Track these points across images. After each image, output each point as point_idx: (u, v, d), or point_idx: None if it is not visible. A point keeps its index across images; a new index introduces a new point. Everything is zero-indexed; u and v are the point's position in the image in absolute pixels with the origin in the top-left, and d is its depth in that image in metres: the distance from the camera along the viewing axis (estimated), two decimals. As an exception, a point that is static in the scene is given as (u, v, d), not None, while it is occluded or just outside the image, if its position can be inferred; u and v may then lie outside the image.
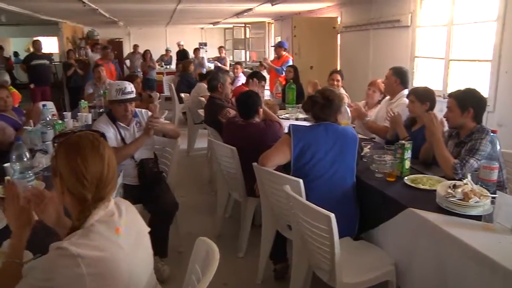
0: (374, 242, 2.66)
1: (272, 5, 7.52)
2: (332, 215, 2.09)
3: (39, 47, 8.89)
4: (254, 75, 4.91)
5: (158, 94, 7.17)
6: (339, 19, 8.40)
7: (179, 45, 13.13)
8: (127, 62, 11.88)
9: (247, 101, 3.51)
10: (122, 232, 1.41)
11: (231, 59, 13.82)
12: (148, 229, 1.61)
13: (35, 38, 9.76)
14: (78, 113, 4.79)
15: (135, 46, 11.91)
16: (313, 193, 2.58)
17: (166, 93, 9.52)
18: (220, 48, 12.92)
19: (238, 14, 9.99)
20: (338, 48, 8.53)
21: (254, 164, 2.87)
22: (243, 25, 14.80)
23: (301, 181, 2.55)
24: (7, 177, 2.44)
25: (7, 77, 6.45)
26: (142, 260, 1.51)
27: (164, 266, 3.14)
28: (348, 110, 3.64)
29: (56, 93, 9.66)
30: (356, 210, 2.77)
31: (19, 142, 2.29)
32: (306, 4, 8.47)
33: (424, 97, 3.31)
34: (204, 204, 4.70)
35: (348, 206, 2.74)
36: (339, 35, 8.44)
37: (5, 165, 2.80)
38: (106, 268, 1.32)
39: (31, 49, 9.37)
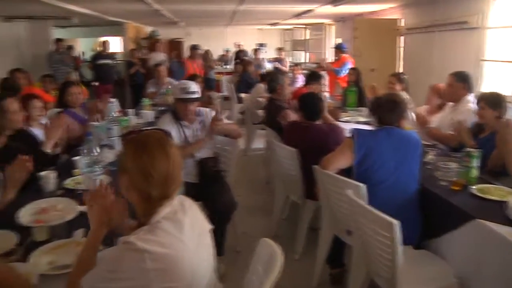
0: (436, 252, 2.57)
1: (334, 6, 7.43)
2: (396, 222, 2.04)
3: (107, 47, 9.32)
4: (312, 76, 4.89)
5: (217, 93, 7.27)
6: (403, 21, 8.17)
7: (238, 45, 13.24)
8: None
9: (312, 102, 3.49)
10: (187, 230, 1.44)
11: (290, 60, 13.79)
12: (210, 227, 1.63)
13: (103, 38, 10.21)
14: (141, 111, 4.94)
15: (195, 47, 12.11)
16: (374, 198, 2.53)
17: (225, 92, 9.63)
18: (279, 49, 12.93)
19: (298, 15, 9.95)
20: (400, 50, 8.32)
21: (315, 167, 2.85)
22: (303, 26, 14.74)
23: (364, 186, 2.51)
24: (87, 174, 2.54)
25: (74, 76, 6.77)
26: (205, 258, 1.53)
27: (220, 264, 3.19)
28: (413, 115, 3.54)
29: (119, 91, 10.01)
30: (419, 218, 2.69)
31: (89, 137, 2.38)
32: (368, 5, 8.31)
33: (495, 103, 3.15)
34: (260, 205, 4.72)
35: (410, 214, 2.67)
36: (402, 37, 8.22)
37: (74, 158, 2.94)
38: (170, 265, 1.35)
39: (97, 49, 9.77)
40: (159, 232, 1.37)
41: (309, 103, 3.51)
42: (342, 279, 3.12)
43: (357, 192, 2.48)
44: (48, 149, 2.98)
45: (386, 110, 2.72)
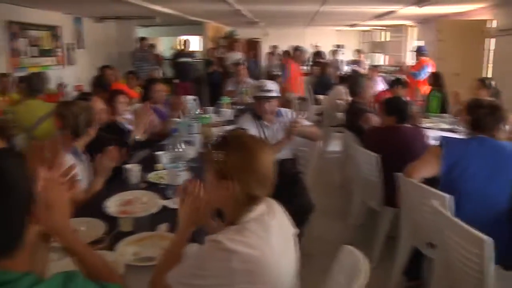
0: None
1: (419, 7, 7.15)
2: (488, 240, 1.90)
3: (188, 45, 9.62)
4: (397, 80, 4.73)
5: (294, 94, 7.25)
6: (494, 22, 7.68)
7: (314, 46, 13.14)
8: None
9: (402, 106, 3.37)
10: (274, 233, 1.42)
11: (368, 62, 13.47)
12: (295, 231, 1.60)
13: (184, 37, 10.54)
14: (220, 109, 5.03)
15: (274, 47, 12.18)
16: (460, 211, 2.38)
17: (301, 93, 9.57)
18: (358, 51, 12.68)
19: (379, 16, 9.68)
20: (488, 54, 7.82)
21: (399, 174, 2.74)
22: (382, 28, 14.35)
23: (450, 197, 2.37)
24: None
25: (159, 73, 7.04)
26: (289, 262, 1.50)
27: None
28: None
29: (197, 89, 10.27)
30: (509, 235, 2.50)
31: (175, 133, 2.45)
32: (455, 6, 7.89)
33: None
34: (334, 209, 4.63)
35: (501, 231, 2.47)
36: (491, 39, 7.73)
37: (157, 153, 3.04)
38: (256, 267, 1.34)
39: (177, 47, 10.09)
40: (247, 233, 1.36)
41: (399, 106, 3.39)
42: (419, 293, 2.98)
43: (443, 203, 2.35)
44: (139, 135, 3.10)
45: (486, 112, 2.54)
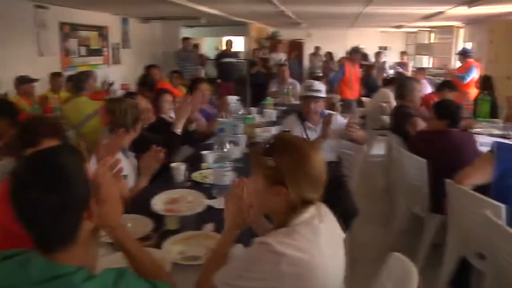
0: None
1: (469, 7, 6.91)
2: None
3: (231, 46, 9.69)
4: (446, 83, 4.59)
5: (338, 96, 7.18)
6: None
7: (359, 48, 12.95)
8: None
9: (454, 109, 3.27)
10: (323, 237, 1.40)
11: (413, 64, 13.18)
12: (344, 235, 1.57)
13: (227, 38, 10.63)
14: (264, 110, 5.03)
15: (317, 48, 12.08)
16: (513, 220, 2.28)
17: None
18: (402, 53, 12.42)
19: (426, 17, 9.43)
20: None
21: (448, 181, 2.65)
22: (428, 29, 13.99)
23: (504, 206, 2.27)
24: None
25: (202, 73, 7.12)
26: (338, 267, 1.48)
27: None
28: None
29: (240, 89, 10.32)
30: None
31: (221, 133, 2.46)
32: (509, 5, 7.58)
33: None
34: (377, 214, 4.54)
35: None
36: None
37: (203, 152, 3.06)
38: (305, 271, 1.32)
39: (220, 48, 10.18)
40: (297, 236, 1.35)
41: (451, 109, 3.28)
42: (466, 305, 2.87)
43: (496, 212, 2.25)
44: (179, 128, 3.14)
45: None
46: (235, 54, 9.99)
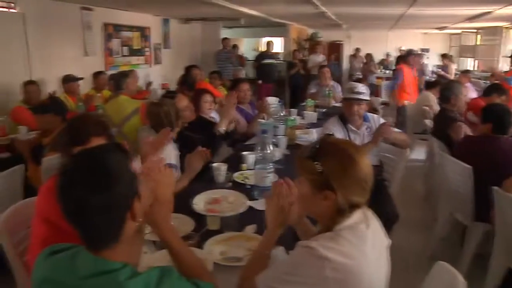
0: None
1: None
2: None
3: (271, 47, 9.70)
4: (494, 87, 4.44)
5: (379, 99, 7.06)
6: None
7: (400, 50, 12.73)
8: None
9: (503, 114, 3.15)
10: (369, 243, 1.37)
11: (456, 67, 12.82)
12: (389, 242, 1.54)
13: (267, 39, 10.65)
14: (304, 111, 5.00)
15: (357, 49, 11.93)
16: None
17: (384, 98, 9.32)
18: (443, 55, 12.10)
19: (472, 18, 9.14)
20: None
21: (496, 188, 2.56)
22: (473, 30, 13.57)
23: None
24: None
25: (243, 74, 7.15)
26: (382, 273, 1.44)
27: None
28: None
29: (279, 90, 10.33)
30: None
31: (265, 134, 2.45)
32: None
33: None
34: (416, 220, 4.44)
35: None
36: None
37: (243, 153, 3.07)
38: (350, 276, 1.30)
39: (260, 49, 10.21)
40: (342, 241, 1.33)
41: (499, 114, 3.16)
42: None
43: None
44: (224, 127, 3.17)
45: None
46: (274, 55, 9.98)
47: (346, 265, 1.29)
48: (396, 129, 3.35)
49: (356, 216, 1.40)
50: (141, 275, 1.15)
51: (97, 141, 1.91)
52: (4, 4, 5.24)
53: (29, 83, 4.92)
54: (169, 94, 3.73)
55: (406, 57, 7.75)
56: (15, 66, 5.44)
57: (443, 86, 4.59)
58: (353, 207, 1.39)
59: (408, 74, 7.19)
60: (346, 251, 1.30)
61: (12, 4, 5.34)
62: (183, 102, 3.39)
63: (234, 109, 3.37)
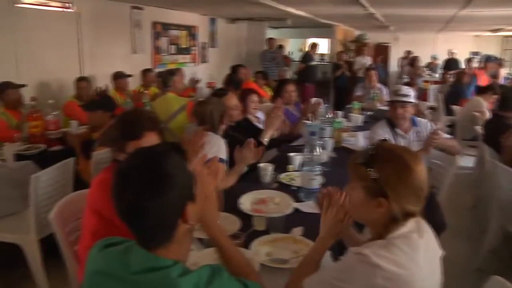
0: None
1: None
2: None
3: (316, 48, 9.69)
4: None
5: (426, 103, 6.88)
6: None
7: (450, 52, 12.33)
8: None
9: None
10: (422, 253, 1.33)
11: (508, 72, 12.32)
12: (442, 253, 1.49)
13: (312, 40, 10.59)
14: (350, 114, 4.94)
15: (408, 52, 11.69)
16: None
17: (431, 102, 9.06)
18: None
19: (530, 20, 8.76)
20: None
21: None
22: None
23: None
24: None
25: (288, 74, 7.14)
26: (435, 285, 1.40)
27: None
28: None
29: (322, 92, 10.25)
30: None
31: (313, 136, 2.43)
32: None
33: None
34: (463, 230, 4.28)
35: None
36: None
37: (290, 154, 3.06)
38: (401, 287, 1.26)
39: (305, 49, 10.15)
40: (395, 249, 1.29)
41: None
42: None
43: None
44: (267, 138, 3.18)
45: None
46: (320, 57, 9.92)
47: (399, 275, 1.26)
48: (446, 135, 3.24)
49: (410, 225, 1.36)
50: (193, 273, 1.16)
51: (150, 136, 1.93)
52: (60, 4, 5.45)
53: (81, 80, 5.10)
54: (220, 91, 3.74)
55: (485, 62, 7.38)
56: (68, 63, 5.65)
57: (503, 93, 4.41)
58: (407, 215, 1.35)
59: (484, 80, 6.86)
60: (398, 260, 1.27)
61: (68, 4, 5.55)
62: (233, 100, 3.39)
63: (279, 121, 3.35)
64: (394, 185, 1.33)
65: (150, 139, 1.92)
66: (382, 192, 1.33)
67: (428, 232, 1.43)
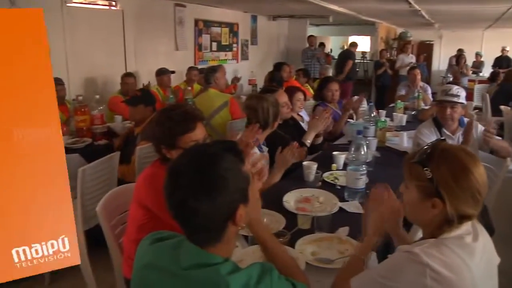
0: None
1: None
2: None
3: (354, 47, 9.59)
4: None
5: (473, 103, 6.66)
6: None
7: (504, 50, 11.85)
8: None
9: None
10: (476, 257, 1.28)
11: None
12: (499, 260, 1.43)
13: (353, 38, 10.45)
14: (394, 113, 4.84)
15: (460, 50, 11.37)
16: None
17: (476, 102, 8.77)
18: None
19: None
20: None
21: None
22: None
23: None
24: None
25: (330, 72, 7.07)
26: (489, 293, 1.35)
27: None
28: None
29: (362, 90, 10.09)
30: None
31: (359, 135, 2.39)
32: None
33: None
34: (508, 237, 4.13)
35: None
36: None
37: (334, 153, 3.02)
38: None
39: (345, 47, 10.02)
40: (446, 250, 1.25)
41: None
42: None
43: None
44: (310, 139, 3.14)
45: None
46: (362, 55, 9.78)
47: (447, 278, 1.21)
48: (497, 137, 3.12)
49: (465, 228, 1.31)
50: (243, 271, 1.16)
51: (201, 127, 1.94)
52: (106, 2, 5.59)
53: (127, 75, 5.21)
54: (270, 87, 3.70)
55: None
56: (113, 59, 5.79)
57: None
58: (463, 218, 1.31)
59: None
60: (449, 263, 1.23)
61: (113, 2, 5.69)
62: (283, 97, 3.33)
63: (324, 125, 3.29)
64: (449, 186, 1.28)
65: (202, 130, 1.94)
66: (437, 192, 1.29)
67: (485, 237, 1.38)
